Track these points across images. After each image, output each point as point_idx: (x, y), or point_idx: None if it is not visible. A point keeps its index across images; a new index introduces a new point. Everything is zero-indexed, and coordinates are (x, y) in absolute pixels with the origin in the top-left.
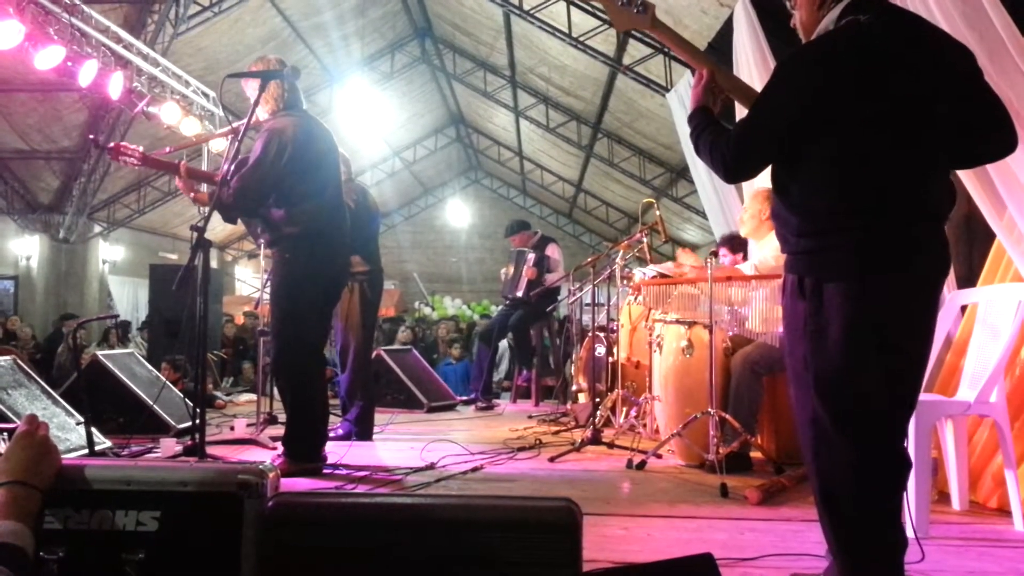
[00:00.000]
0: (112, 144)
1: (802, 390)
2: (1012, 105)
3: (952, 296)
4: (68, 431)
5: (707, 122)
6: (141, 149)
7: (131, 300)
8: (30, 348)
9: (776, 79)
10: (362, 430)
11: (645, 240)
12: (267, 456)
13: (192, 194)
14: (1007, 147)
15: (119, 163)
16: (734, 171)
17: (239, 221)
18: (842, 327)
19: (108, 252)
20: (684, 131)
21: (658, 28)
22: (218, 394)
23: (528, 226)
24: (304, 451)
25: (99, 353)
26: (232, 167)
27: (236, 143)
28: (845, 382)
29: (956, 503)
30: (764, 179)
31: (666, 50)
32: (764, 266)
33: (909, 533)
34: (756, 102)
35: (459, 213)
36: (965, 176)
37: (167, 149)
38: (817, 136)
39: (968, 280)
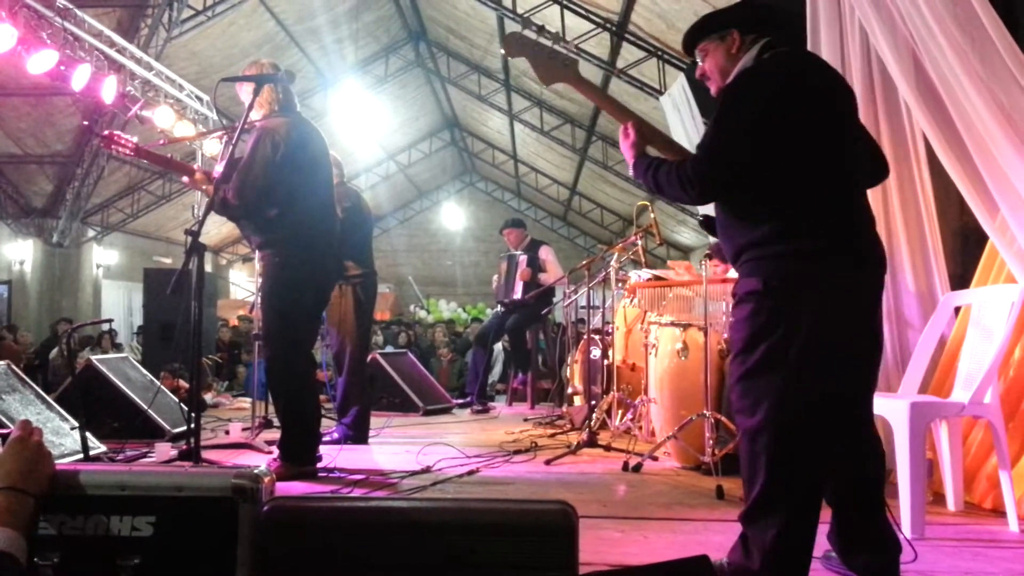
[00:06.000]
0: (106, 132)
1: (759, 389)
2: (1003, 107)
3: (946, 297)
4: (63, 436)
5: (657, 160)
6: (136, 140)
7: (125, 304)
8: (29, 354)
9: (731, 102)
10: (358, 434)
11: (640, 243)
12: (262, 460)
13: (195, 175)
14: (886, 174)
15: (111, 152)
16: (710, 188)
17: (237, 224)
18: (810, 327)
19: (102, 256)
20: (677, 134)
21: (582, 83)
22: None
23: (524, 226)
24: (300, 454)
25: (93, 358)
26: (226, 168)
27: (231, 146)
28: (818, 378)
29: (951, 504)
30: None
31: (660, 53)
32: None
33: (907, 533)
34: (719, 124)
35: (454, 216)
36: (958, 179)
37: (161, 141)
38: (775, 150)
39: (962, 281)
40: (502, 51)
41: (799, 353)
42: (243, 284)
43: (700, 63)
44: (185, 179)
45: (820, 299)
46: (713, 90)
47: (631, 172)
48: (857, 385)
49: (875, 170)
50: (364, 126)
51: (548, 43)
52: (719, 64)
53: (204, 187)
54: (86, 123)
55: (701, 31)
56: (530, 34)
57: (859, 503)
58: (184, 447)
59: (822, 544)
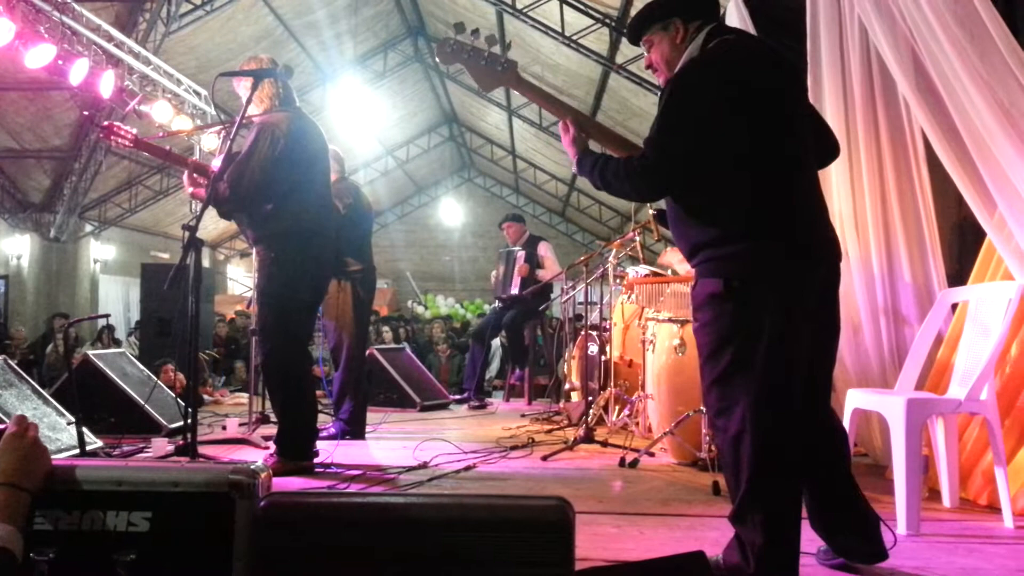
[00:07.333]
0: (107, 123)
1: (733, 392)
2: (1003, 104)
3: (943, 294)
4: (59, 431)
5: (603, 157)
6: (135, 131)
7: (123, 299)
8: (23, 349)
9: (677, 95)
10: (354, 429)
11: (638, 239)
12: (259, 456)
13: (192, 188)
14: (837, 153)
15: (111, 143)
16: (659, 183)
17: (233, 219)
18: (772, 324)
19: (99, 251)
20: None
21: (522, 85)
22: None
23: (523, 220)
24: (296, 449)
25: (90, 352)
26: (224, 163)
27: (228, 141)
28: (786, 373)
29: (947, 500)
30: None
31: None
32: None
33: (902, 530)
34: (665, 117)
35: (452, 212)
36: (956, 175)
37: (160, 134)
38: (723, 143)
39: (958, 278)
40: (438, 59)
41: (766, 351)
42: (241, 279)
43: (647, 54)
44: (186, 174)
45: (780, 297)
46: (661, 81)
47: (574, 169)
48: (821, 373)
49: (824, 153)
50: (362, 121)
51: (484, 47)
52: (665, 55)
53: (195, 189)
54: (86, 113)
55: (644, 22)
56: (465, 38)
57: (833, 483)
58: (181, 442)
59: (816, 540)
